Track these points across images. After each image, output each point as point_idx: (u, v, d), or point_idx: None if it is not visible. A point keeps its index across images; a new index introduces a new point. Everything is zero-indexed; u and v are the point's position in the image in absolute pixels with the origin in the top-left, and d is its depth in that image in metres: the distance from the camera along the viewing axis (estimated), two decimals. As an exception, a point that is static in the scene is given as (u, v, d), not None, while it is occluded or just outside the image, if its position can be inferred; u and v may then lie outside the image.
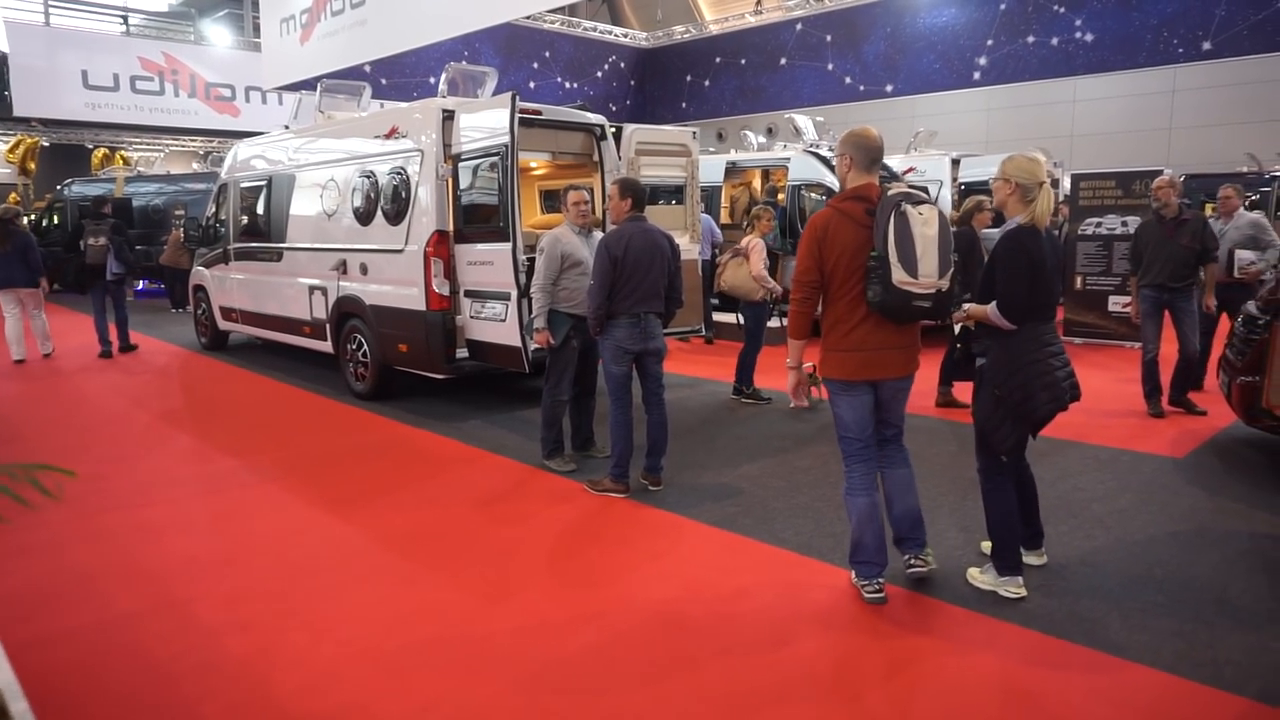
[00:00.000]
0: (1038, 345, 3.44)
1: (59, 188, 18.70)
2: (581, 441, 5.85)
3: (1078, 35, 16.97)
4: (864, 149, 3.50)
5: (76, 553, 4.23)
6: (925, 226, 3.32)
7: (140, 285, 17.27)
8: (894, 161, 13.08)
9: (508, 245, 6.19)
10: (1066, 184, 13.19)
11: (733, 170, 12.78)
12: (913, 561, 3.73)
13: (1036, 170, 3.42)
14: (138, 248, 15.88)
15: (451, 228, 6.76)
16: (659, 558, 4.16)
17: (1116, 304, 10.17)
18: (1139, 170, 10.42)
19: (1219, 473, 5.37)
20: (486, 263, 6.49)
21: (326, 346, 8.10)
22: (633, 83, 23.18)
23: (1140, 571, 3.89)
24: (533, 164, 8.59)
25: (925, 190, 12.28)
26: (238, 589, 3.81)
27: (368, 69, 16.71)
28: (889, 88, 19.07)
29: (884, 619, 3.48)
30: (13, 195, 20.05)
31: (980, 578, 3.72)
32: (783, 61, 20.69)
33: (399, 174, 7.03)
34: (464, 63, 8.22)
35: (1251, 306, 5.71)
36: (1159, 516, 4.60)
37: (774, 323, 7.63)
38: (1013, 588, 3.60)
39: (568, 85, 21.53)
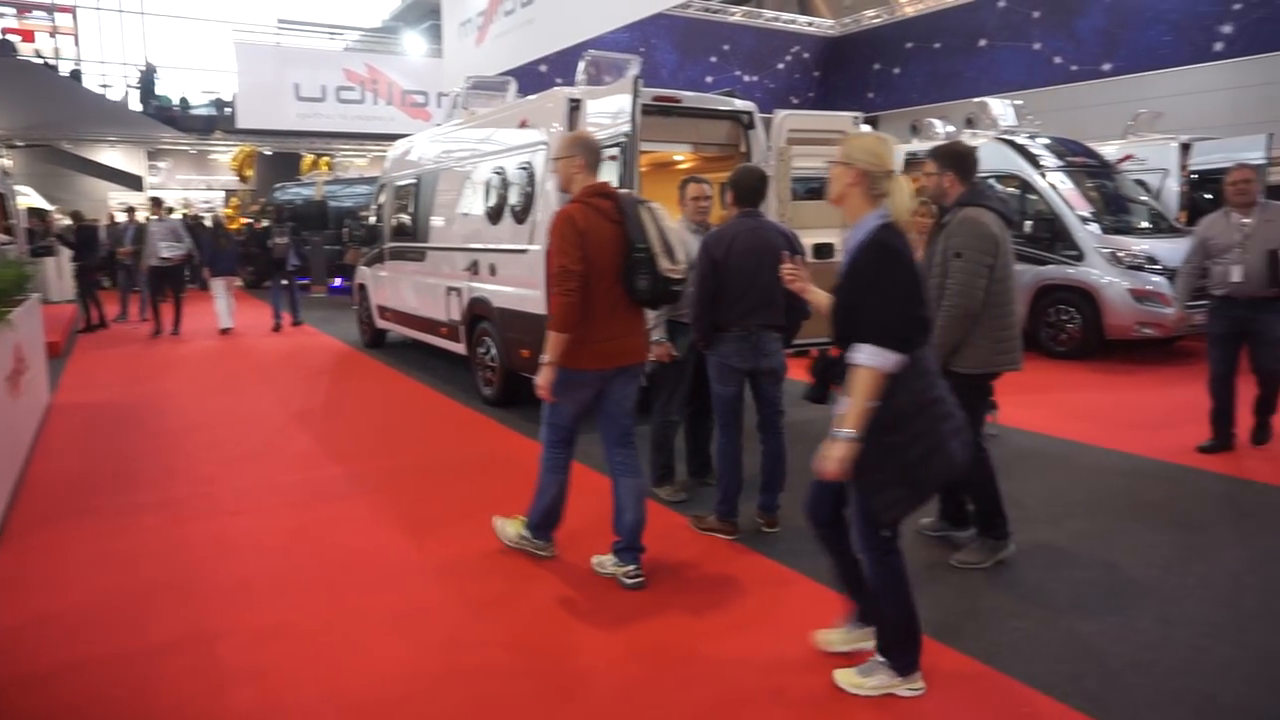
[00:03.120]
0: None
1: (272, 191, 20.20)
2: (698, 467, 5.17)
3: (1358, -11, 14.14)
4: (595, 151, 3.74)
5: (146, 568, 4.06)
6: (668, 220, 3.71)
7: (337, 282, 18.20)
8: (1109, 149, 11.36)
9: (625, 245, 5.60)
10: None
11: (913, 162, 11.55)
12: (634, 569, 3.74)
13: (886, 154, 2.71)
14: (329, 247, 16.90)
15: (576, 226, 6.27)
16: (754, 623, 3.42)
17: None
18: None
19: None
20: (608, 264, 5.95)
21: (461, 349, 7.89)
22: (816, 74, 21.99)
23: None
24: (676, 156, 7.98)
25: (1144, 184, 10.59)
26: (274, 623, 3.46)
27: (544, 69, 16.74)
28: (1106, 66, 16.79)
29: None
30: (233, 200, 21.99)
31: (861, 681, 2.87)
32: (982, 43, 18.79)
33: (526, 169, 6.64)
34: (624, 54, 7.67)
35: None
36: None
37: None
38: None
39: (746, 79, 20.69)
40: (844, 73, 22.16)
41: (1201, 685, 2.90)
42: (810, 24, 22.10)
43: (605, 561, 3.88)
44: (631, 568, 3.75)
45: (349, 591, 3.78)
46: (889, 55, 20.98)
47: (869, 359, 2.55)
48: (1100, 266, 8.88)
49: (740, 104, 6.99)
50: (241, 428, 6.81)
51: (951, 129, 12.26)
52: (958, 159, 3.80)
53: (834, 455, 2.59)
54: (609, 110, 5.89)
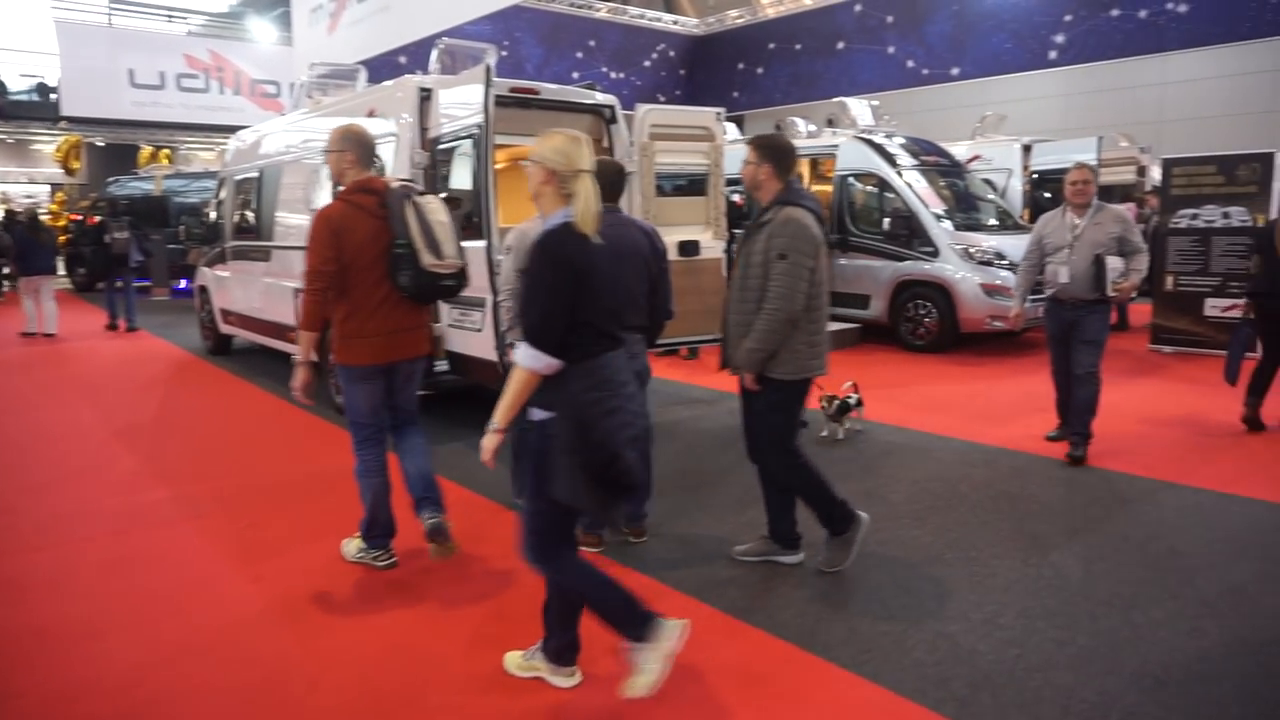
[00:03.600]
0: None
1: (105, 186, 18.58)
2: (563, 475, 4.94)
3: (1169, 6, 15.36)
4: (366, 145, 3.73)
5: (-82, 617, 3.49)
6: (438, 214, 3.66)
7: (181, 284, 16.94)
8: (959, 149, 11.86)
9: (482, 244, 5.32)
10: (1156, 173, 11.78)
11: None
12: (431, 519, 3.78)
13: (576, 154, 2.57)
14: (172, 246, 15.71)
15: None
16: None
17: (1215, 307, 8.85)
18: (1245, 154, 9.03)
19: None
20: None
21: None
22: (682, 72, 22.18)
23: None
24: (538, 152, 7.71)
25: (991, 183, 11.04)
26: (79, 679, 3.00)
27: (403, 60, 16.08)
28: (955, 71, 17.68)
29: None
30: (59, 194, 20.12)
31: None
32: (840, 46, 19.44)
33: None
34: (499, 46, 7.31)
35: None
36: (1292, 599, 3.49)
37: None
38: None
39: (613, 75, 20.65)
40: (709, 71, 22.43)
41: (1063, 680, 2.91)
42: (675, 23, 22.25)
43: (431, 549, 3.82)
44: (427, 512, 3.78)
45: (172, 631, 3.34)
46: (752, 55, 21.36)
47: (523, 359, 2.54)
48: (954, 262, 9.20)
49: (602, 98, 6.80)
50: (54, 448, 6.10)
51: (814, 128, 12.50)
52: (778, 152, 3.59)
53: (486, 446, 2.64)
54: (461, 100, 5.57)
